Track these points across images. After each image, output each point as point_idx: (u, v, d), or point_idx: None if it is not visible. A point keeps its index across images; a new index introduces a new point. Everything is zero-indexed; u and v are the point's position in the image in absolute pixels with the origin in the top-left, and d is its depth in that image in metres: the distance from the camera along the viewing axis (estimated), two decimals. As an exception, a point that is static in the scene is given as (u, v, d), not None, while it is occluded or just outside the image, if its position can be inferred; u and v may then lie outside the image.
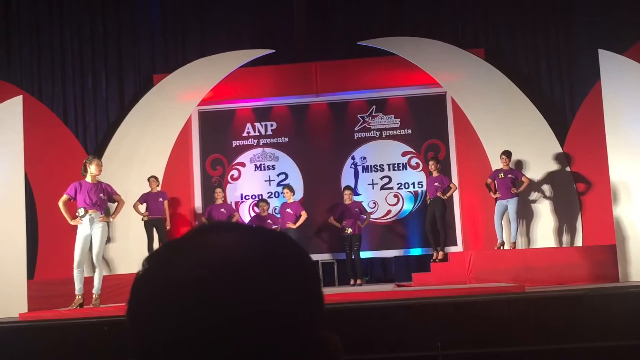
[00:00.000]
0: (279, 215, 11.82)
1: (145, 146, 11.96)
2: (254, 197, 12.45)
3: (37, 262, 11.36)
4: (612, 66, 9.85)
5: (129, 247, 11.65)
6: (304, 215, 11.59)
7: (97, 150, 12.23)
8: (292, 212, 11.60)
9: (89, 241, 8.54)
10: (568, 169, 11.54)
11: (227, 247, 0.83)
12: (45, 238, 11.62)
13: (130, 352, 0.83)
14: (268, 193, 12.45)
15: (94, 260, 8.64)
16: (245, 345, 0.78)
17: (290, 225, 11.44)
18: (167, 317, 0.79)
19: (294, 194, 11.85)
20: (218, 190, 11.88)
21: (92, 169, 8.61)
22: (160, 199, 11.30)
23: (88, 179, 8.62)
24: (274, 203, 12.28)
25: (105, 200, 8.71)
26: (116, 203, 8.99)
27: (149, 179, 11.31)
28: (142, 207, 11.26)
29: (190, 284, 0.79)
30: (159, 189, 11.41)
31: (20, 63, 12.43)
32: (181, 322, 0.78)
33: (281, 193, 12.10)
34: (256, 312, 0.78)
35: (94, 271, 8.96)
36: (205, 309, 0.78)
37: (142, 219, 11.18)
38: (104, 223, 8.60)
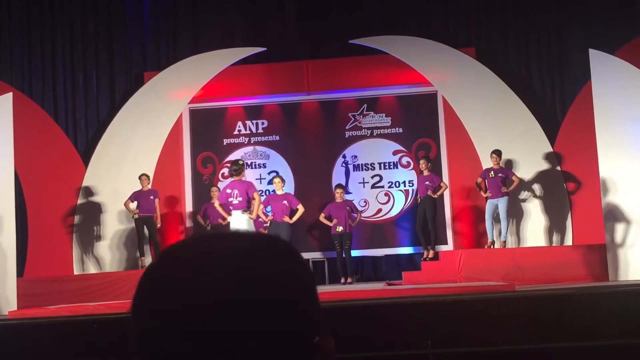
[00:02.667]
0: (268, 209, 11.40)
1: (135, 144, 11.93)
2: (244, 195, 12.42)
3: (26, 260, 11.32)
4: (602, 66, 9.87)
5: (120, 245, 11.64)
6: (300, 209, 11.20)
7: (88, 147, 12.21)
8: (287, 205, 11.25)
9: None
10: (558, 168, 11.57)
11: (226, 248, 0.86)
12: (35, 236, 11.58)
13: (133, 347, 0.84)
14: (259, 191, 12.40)
15: None
16: (239, 341, 0.79)
17: (287, 219, 11.15)
18: (162, 311, 0.81)
19: (284, 184, 11.51)
20: (214, 189, 11.80)
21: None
22: (152, 197, 11.27)
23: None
24: (265, 201, 12.24)
25: None
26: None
27: (140, 177, 11.28)
28: (133, 205, 11.23)
29: (187, 280, 0.82)
30: (149, 187, 11.38)
31: (11, 60, 12.38)
32: (175, 317, 0.80)
33: (272, 191, 12.07)
34: (249, 309, 0.80)
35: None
36: (197, 306, 0.79)
37: (133, 217, 11.16)
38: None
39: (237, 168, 9.42)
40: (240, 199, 9.19)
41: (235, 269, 0.82)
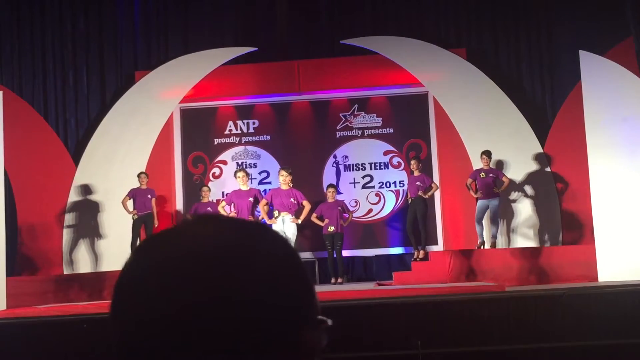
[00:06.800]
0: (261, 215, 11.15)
1: (126, 143, 11.90)
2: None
3: (16, 259, 11.28)
4: (592, 67, 9.90)
5: (111, 244, 11.60)
6: (262, 204, 10.71)
7: (78, 147, 12.17)
8: (252, 202, 10.70)
9: None
10: (548, 169, 11.60)
11: (203, 237, 0.82)
12: (24, 235, 11.53)
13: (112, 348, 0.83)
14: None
15: None
16: (211, 335, 0.77)
17: (250, 217, 10.52)
18: (137, 306, 0.79)
19: (249, 179, 10.98)
20: (205, 188, 11.75)
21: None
22: (149, 196, 11.23)
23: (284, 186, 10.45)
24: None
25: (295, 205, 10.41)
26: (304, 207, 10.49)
27: (139, 175, 11.22)
28: (130, 204, 11.15)
29: (163, 271, 0.79)
30: (146, 186, 11.33)
31: (0, 58, 12.33)
32: (150, 310, 0.78)
33: (263, 191, 11.98)
34: (221, 300, 0.78)
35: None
36: (170, 297, 0.77)
37: (133, 217, 11.08)
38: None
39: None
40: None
41: (217, 266, 0.79)
